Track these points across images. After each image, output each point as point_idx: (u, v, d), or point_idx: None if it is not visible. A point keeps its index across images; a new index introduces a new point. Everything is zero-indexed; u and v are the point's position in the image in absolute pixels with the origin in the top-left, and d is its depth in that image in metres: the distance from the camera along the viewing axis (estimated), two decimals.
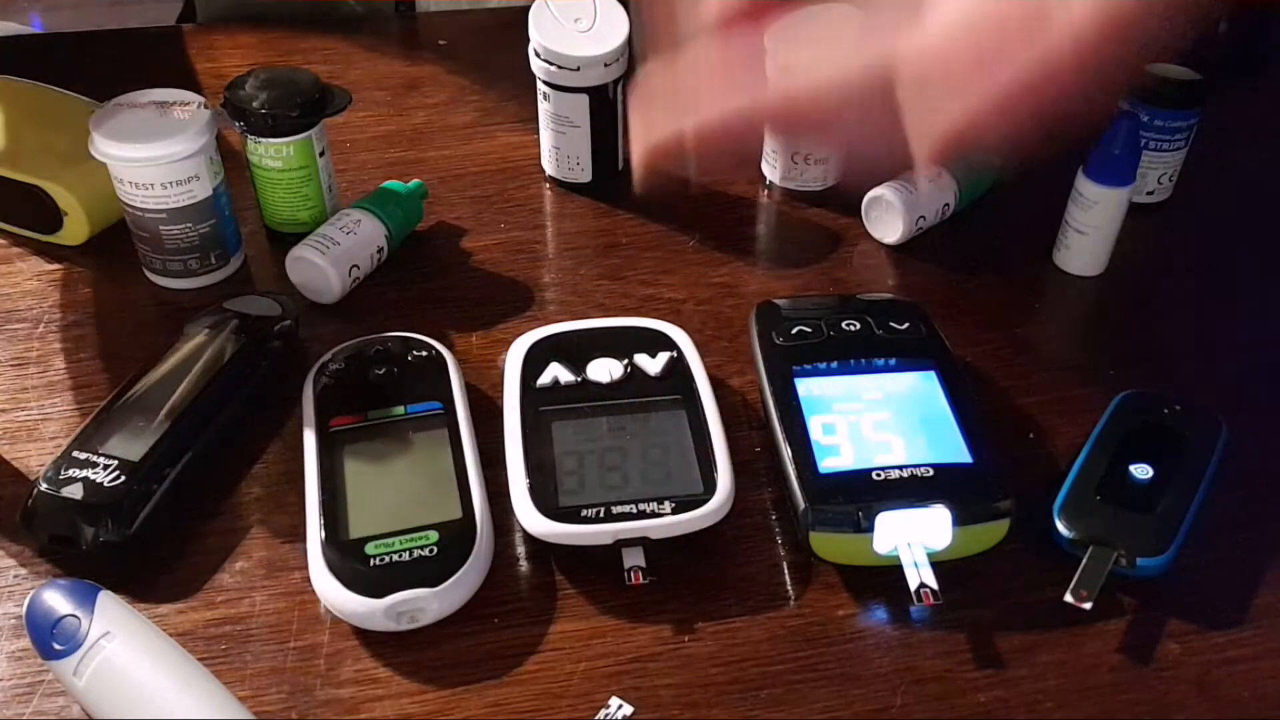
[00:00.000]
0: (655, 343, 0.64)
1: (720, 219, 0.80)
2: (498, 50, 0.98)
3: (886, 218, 0.77)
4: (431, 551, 0.53)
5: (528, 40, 0.77)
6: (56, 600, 0.50)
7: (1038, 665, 0.53)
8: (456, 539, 0.54)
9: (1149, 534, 0.55)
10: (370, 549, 0.53)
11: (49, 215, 0.74)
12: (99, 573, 0.54)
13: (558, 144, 0.80)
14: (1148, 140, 0.76)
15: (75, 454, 0.57)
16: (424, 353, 0.64)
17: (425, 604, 0.52)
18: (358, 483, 0.57)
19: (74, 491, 0.55)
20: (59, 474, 0.56)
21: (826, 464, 0.56)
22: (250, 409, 0.63)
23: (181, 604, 0.55)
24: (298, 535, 0.58)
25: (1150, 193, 0.80)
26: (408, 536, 0.54)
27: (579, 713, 0.51)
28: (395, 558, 0.53)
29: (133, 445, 0.58)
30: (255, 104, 0.71)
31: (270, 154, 0.72)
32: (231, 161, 0.73)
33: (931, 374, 0.62)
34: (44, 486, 0.55)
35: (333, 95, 0.73)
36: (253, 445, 0.63)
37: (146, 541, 0.56)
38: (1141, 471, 0.58)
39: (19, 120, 0.80)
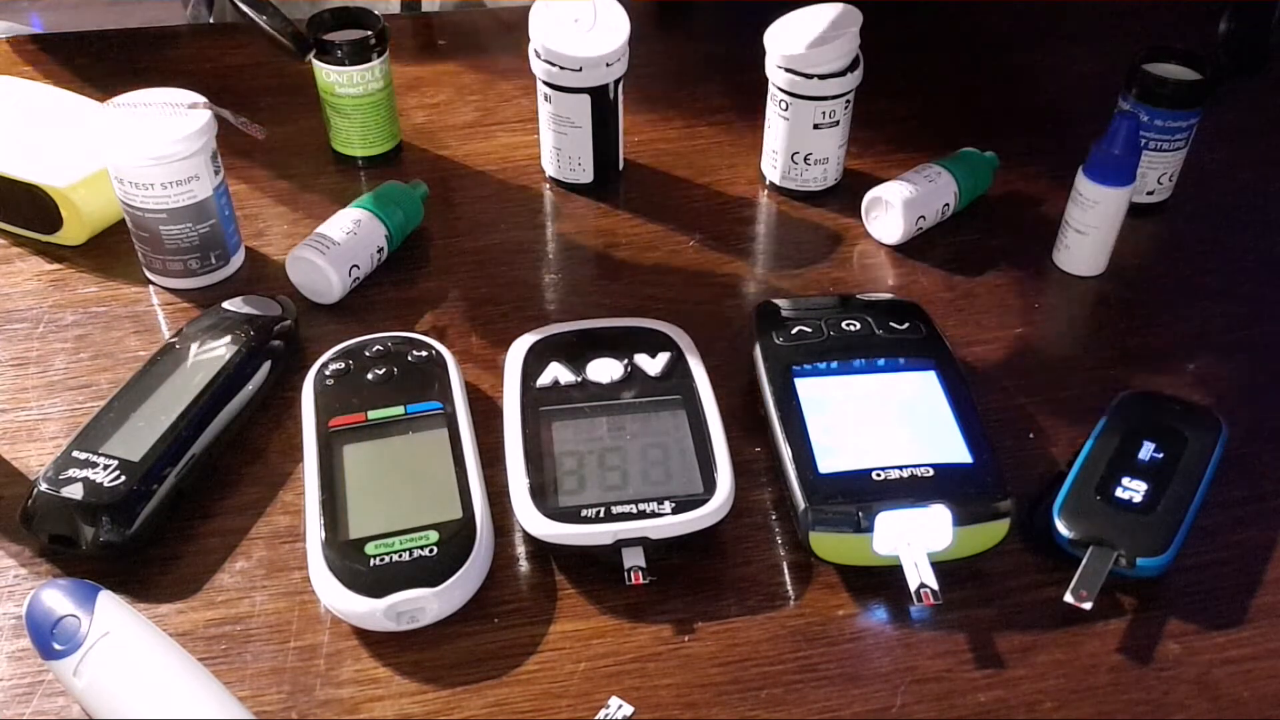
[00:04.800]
0: (655, 343, 0.64)
1: (720, 219, 0.80)
2: (498, 50, 0.98)
3: (886, 218, 0.77)
4: (431, 551, 0.53)
5: (528, 40, 0.77)
6: (56, 600, 0.50)
7: (1038, 665, 0.53)
8: (456, 539, 0.54)
9: (1149, 534, 0.55)
10: (370, 549, 0.53)
11: (49, 215, 0.74)
12: (99, 573, 0.54)
13: (559, 144, 0.80)
14: (1148, 140, 0.76)
15: (75, 454, 0.57)
16: (424, 353, 0.64)
17: (425, 604, 0.52)
18: (358, 483, 0.57)
19: (74, 491, 0.55)
20: (59, 474, 0.56)
21: (826, 464, 0.56)
22: (250, 409, 0.63)
23: (181, 604, 0.55)
24: (298, 535, 0.58)
25: (1150, 193, 0.80)
26: (408, 536, 0.54)
27: (579, 713, 0.51)
28: (395, 558, 0.53)
29: (133, 445, 0.58)
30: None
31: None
32: (231, 161, 0.73)
33: (931, 374, 0.62)
34: (44, 486, 0.55)
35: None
36: (253, 445, 0.63)
37: (146, 541, 0.56)
38: (1141, 471, 0.58)
39: (19, 120, 0.80)
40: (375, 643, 0.53)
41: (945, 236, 0.78)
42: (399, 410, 0.60)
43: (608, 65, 0.76)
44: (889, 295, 0.70)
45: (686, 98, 0.92)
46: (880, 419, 0.59)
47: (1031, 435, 0.64)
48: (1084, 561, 0.54)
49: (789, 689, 0.52)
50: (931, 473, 0.56)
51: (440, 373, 0.63)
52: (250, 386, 0.63)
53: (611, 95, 0.78)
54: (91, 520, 0.54)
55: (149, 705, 0.47)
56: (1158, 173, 0.79)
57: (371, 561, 0.53)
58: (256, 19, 0.77)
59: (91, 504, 0.55)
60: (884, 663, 0.53)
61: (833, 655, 0.53)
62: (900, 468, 0.56)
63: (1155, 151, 0.77)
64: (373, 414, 0.60)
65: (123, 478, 0.56)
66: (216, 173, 0.70)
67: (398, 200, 0.75)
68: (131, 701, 0.47)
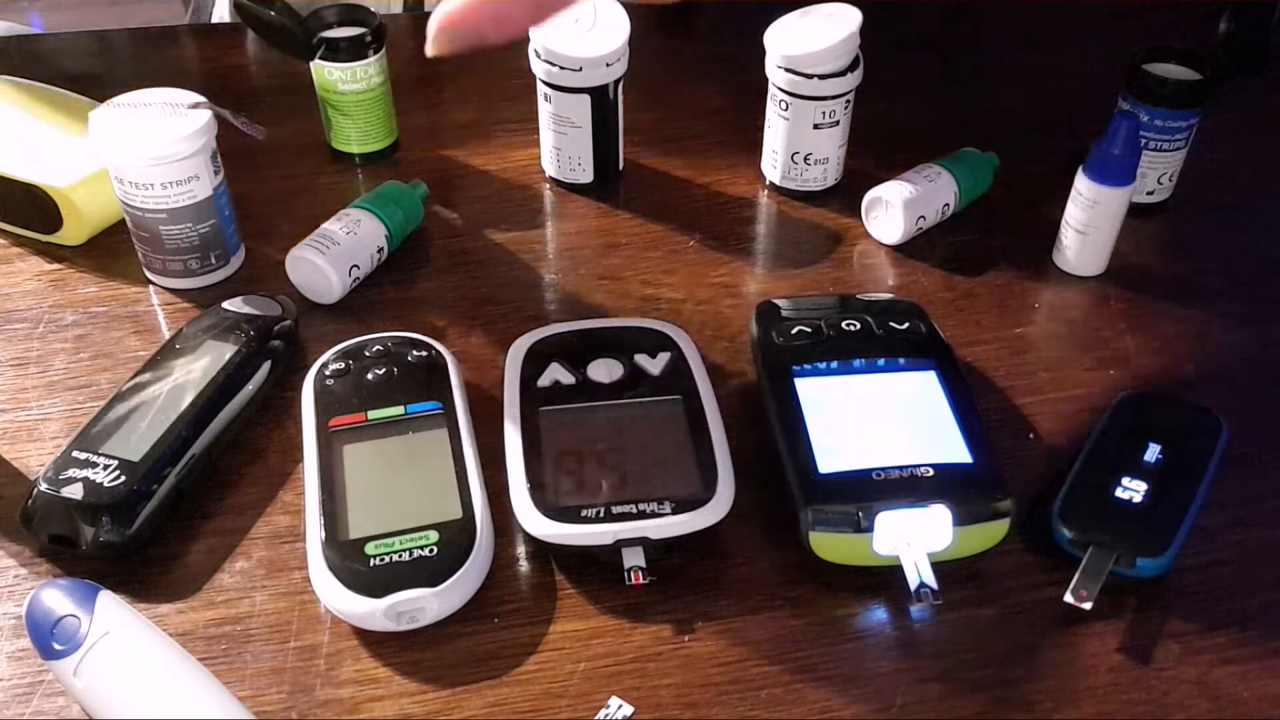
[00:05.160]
0: (655, 343, 0.64)
1: (720, 219, 0.80)
2: (498, 50, 0.97)
3: (886, 218, 0.77)
4: (431, 551, 0.53)
5: (528, 40, 0.77)
6: (56, 600, 0.50)
7: (1038, 665, 0.53)
8: (456, 539, 0.54)
9: (1149, 534, 0.55)
10: (370, 549, 0.53)
11: (49, 215, 0.74)
12: (99, 573, 0.54)
13: (559, 145, 0.80)
14: (1147, 140, 0.76)
15: (75, 454, 0.57)
16: (424, 353, 0.64)
17: (425, 604, 0.52)
18: (358, 483, 0.57)
19: (74, 491, 0.55)
20: (59, 474, 0.56)
21: (826, 464, 0.56)
22: (250, 409, 0.63)
23: (181, 604, 0.55)
24: (298, 535, 0.58)
25: (1150, 193, 0.80)
26: (408, 536, 0.54)
27: (579, 713, 0.51)
28: (395, 558, 0.53)
29: (133, 445, 0.57)
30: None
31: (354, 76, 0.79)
32: (231, 161, 0.73)
33: (931, 374, 0.62)
34: (44, 486, 0.55)
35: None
36: (253, 445, 0.63)
37: (146, 541, 0.56)
38: (1141, 471, 0.58)
39: (19, 120, 0.80)
40: (375, 643, 0.53)
41: (945, 236, 0.78)
42: (399, 410, 0.60)
43: (608, 65, 0.76)
44: (889, 295, 0.70)
45: (686, 98, 0.92)
46: (880, 419, 0.59)
47: (1031, 435, 0.64)
48: (1084, 561, 0.54)
49: (789, 689, 0.52)
50: (931, 473, 0.56)
51: (440, 373, 0.63)
52: (250, 386, 0.63)
53: (611, 95, 0.78)
54: (91, 520, 0.54)
55: (149, 705, 0.47)
56: (1158, 172, 0.79)
57: (371, 561, 0.53)
58: (261, 14, 0.77)
59: (91, 504, 0.55)
60: (884, 663, 0.53)
61: (833, 655, 0.53)
62: (900, 468, 0.56)
63: (1155, 151, 0.77)
64: (373, 414, 0.60)
65: (123, 478, 0.56)
66: (216, 173, 0.70)
67: (398, 200, 0.75)
68: (131, 701, 0.47)
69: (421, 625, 0.53)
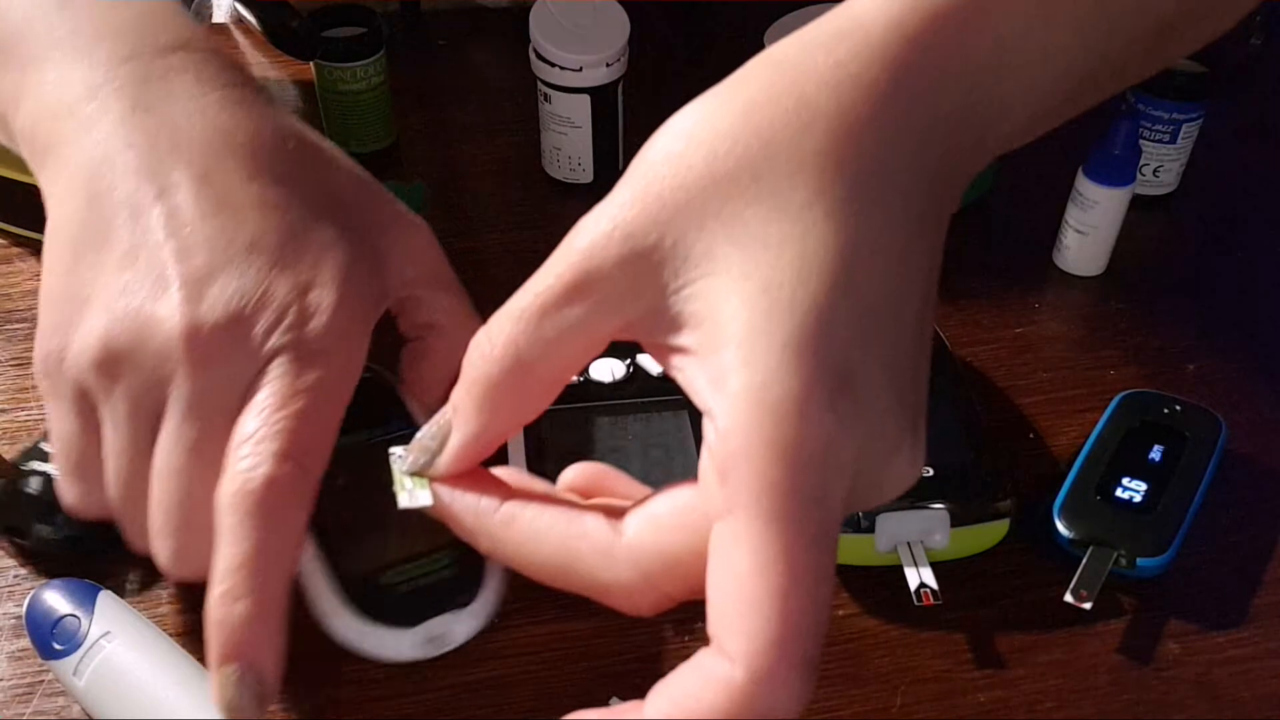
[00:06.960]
0: None
1: None
2: (498, 50, 0.98)
3: None
4: (450, 572, 0.50)
5: (528, 40, 0.77)
6: (56, 600, 0.50)
7: (1038, 665, 0.53)
8: (470, 553, 0.51)
9: (1149, 534, 0.55)
10: (387, 579, 0.49)
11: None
12: (99, 573, 0.54)
13: (559, 145, 0.80)
14: (1148, 132, 0.76)
15: (43, 445, 0.56)
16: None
17: (459, 625, 0.49)
18: (362, 512, 0.53)
19: (33, 485, 0.55)
20: (23, 465, 0.55)
21: None
22: None
23: (181, 604, 0.55)
24: None
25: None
26: (423, 561, 0.50)
27: None
28: (416, 584, 0.49)
29: None
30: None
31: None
32: None
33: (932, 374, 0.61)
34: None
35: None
36: None
37: (115, 540, 0.55)
38: (1141, 472, 0.58)
39: None
40: None
41: (945, 236, 0.78)
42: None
43: (608, 65, 0.76)
44: None
45: (687, 98, 0.92)
46: None
47: (1031, 435, 0.64)
48: (1084, 561, 0.54)
49: None
50: (931, 473, 0.56)
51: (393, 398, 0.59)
52: None
53: (612, 95, 0.78)
54: (42, 516, 0.54)
55: (149, 705, 0.47)
56: (1164, 166, 0.78)
57: (392, 592, 0.49)
58: (258, 18, 0.77)
59: (47, 499, 0.53)
60: (884, 663, 0.53)
61: (833, 655, 0.53)
62: None
63: (1156, 144, 0.77)
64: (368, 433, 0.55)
65: None
66: None
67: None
68: (132, 701, 0.47)
69: (453, 648, 0.50)
